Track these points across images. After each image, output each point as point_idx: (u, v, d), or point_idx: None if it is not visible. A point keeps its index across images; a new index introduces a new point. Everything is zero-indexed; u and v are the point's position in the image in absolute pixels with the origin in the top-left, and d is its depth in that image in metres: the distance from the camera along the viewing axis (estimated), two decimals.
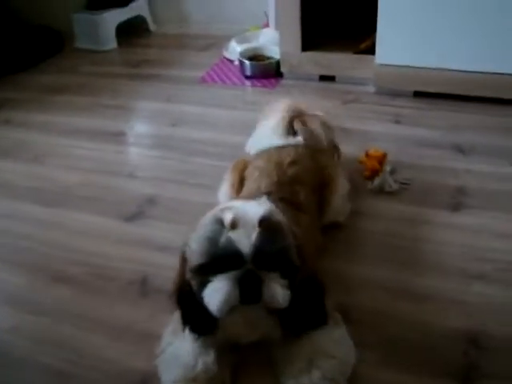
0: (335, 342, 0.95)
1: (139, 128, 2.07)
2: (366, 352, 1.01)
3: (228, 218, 0.82)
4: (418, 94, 2.05)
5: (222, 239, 0.81)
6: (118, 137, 1.95)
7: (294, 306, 0.87)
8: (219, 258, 0.81)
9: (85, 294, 1.25)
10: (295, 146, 1.26)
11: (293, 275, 0.85)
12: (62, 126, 2.07)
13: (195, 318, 0.92)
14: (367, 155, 1.57)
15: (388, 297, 1.17)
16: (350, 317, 1.07)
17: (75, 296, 1.25)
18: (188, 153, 1.79)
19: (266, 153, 1.24)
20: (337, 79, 2.22)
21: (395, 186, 1.51)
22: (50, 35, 2.88)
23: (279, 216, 0.87)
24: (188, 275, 0.88)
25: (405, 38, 1.96)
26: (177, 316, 1.04)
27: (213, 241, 0.82)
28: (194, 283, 0.87)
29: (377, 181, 1.52)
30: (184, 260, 0.90)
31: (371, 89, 2.12)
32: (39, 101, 2.31)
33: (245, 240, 0.80)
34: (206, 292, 0.83)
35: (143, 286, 1.25)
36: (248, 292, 0.81)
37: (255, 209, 0.84)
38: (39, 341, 1.13)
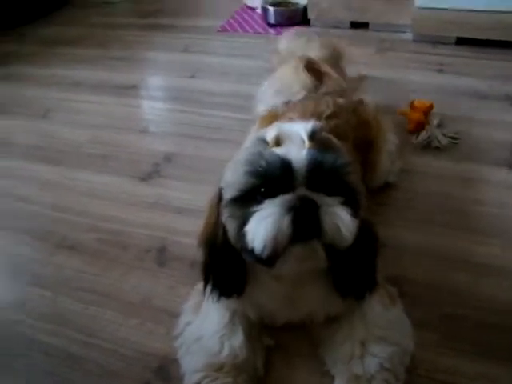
0: (392, 324, 0.79)
1: (153, 80, 1.89)
2: (423, 332, 0.86)
3: (271, 134, 0.65)
4: (461, 42, 1.85)
5: (267, 157, 0.63)
6: (130, 90, 1.78)
7: (349, 258, 0.69)
8: (263, 180, 0.63)
9: (95, 263, 1.10)
10: (332, 97, 1.08)
11: (357, 207, 0.65)
12: (68, 80, 1.90)
13: (224, 272, 0.74)
14: (412, 106, 1.39)
15: (444, 268, 1.01)
16: (402, 291, 0.90)
17: (84, 266, 1.09)
18: (208, 106, 1.63)
19: (299, 104, 1.06)
20: (370, 26, 2.02)
21: (444, 141, 1.34)
22: None
23: (331, 136, 0.70)
24: (223, 215, 0.69)
25: None
26: (198, 288, 0.88)
27: (254, 161, 0.64)
28: (230, 222, 0.67)
29: (423, 135, 1.35)
30: (218, 199, 0.71)
31: (409, 36, 1.93)
32: (44, 54, 2.14)
33: (295, 155, 0.63)
34: (248, 226, 0.63)
35: (161, 255, 1.09)
36: (303, 222, 0.61)
37: (303, 125, 0.67)
38: (44, 317, 0.98)
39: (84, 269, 1.08)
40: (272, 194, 0.63)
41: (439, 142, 1.34)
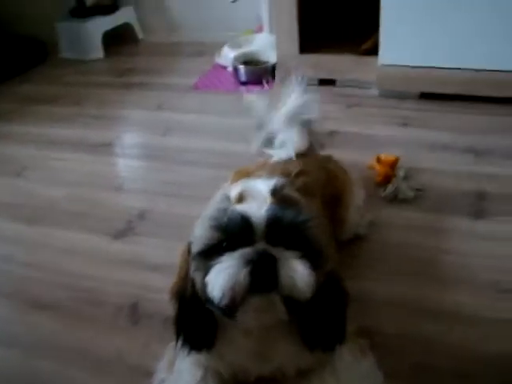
0: (363, 376, 0.81)
1: (127, 138, 1.93)
2: (394, 383, 0.87)
3: (235, 191, 0.69)
4: (424, 96, 1.93)
5: (229, 213, 0.67)
6: (105, 148, 1.81)
7: (314, 311, 0.72)
8: (225, 234, 0.67)
9: (68, 322, 1.09)
10: (302, 156, 1.12)
11: (318, 261, 0.68)
12: (44, 138, 1.93)
13: (194, 325, 0.76)
14: (379, 161, 1.44)
15: (413, 317, 1.04)
16: (373, 342, 0.92)
17: (56, 325, 1.09)
18: (180, 163, 1.66)
19: (270, 163, 1.10)
20: (337, 83, 2.10)
21: (410, 193, 1.39)
22: (32, 45, 2.75)
23: (294, 193, 0.74)
24: (191, 268, 0.73)
25: (409, 36, 1.85)
26: (172, 345, 0.89)
27: (218, 217, 0.68)
28: (197, 275, 0.71)
29: (390, 188, 1.39)
30: (188, 253, 0.75)
31: (375, 92, 2.00)
32: (20, 112, 2.17)
33: (254, 211, 0.67)
34: (208, 277, 0.67)
35: (134, 312, 1.10)
36: (261, 274, 0.64)
37: (266, 182, 0.71)
38: (10, 379, 0.97)
39: (57, 328, 1.08)
40: (233, 248, 0.67)
41: (405, 194, 1.38)
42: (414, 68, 1.88)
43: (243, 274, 0.64)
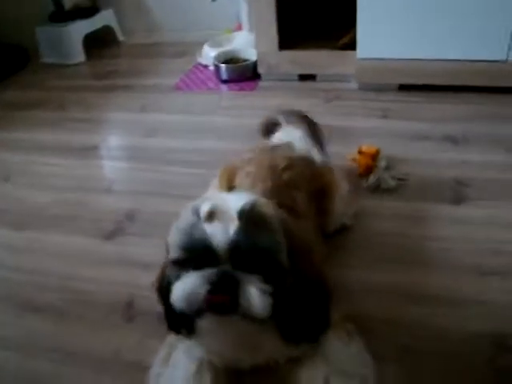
0: (352, 358, 0.84)
1: (113, 140, 1.94)
2: (382, 366, 0.90)
3: (204, 208, 0.71)
4: (403, 88, 1.97)
5: (196, 232, 0.70)
6: (91, 151, 1.83)
7: (290, 312, 0.76)
8: (192, 253, 0.71)
9: (62, 323, 1.12)
10: (287, 151, 1.16)
11: (280, 279, 0.72)
12: (28, 143, 1.94)
13: (173, 313, 0.80)
14: (360, 152, 1.48)
15: (399, 302, 1.07)
16: (359, 327, 0.95)
17: (51, 326, 1.11)
18: (166, 163, 1.68)
19: (256, 158, 1.13)
20: (317, 78, 2.13)
21: (392, 183, 1.42)
22: (13, 51, 2.75)
23: (268, 209, 0.75)
24: (167, 268, 0.79)
25: (386, 30, 1.88)
26: (167, 340, 0.92)
27: (186, 233, 0.71)
28: (169, 276, 0.77)
29: (372, 178, 1.43)
30: (167, 251, 0.79)
31: (354, 85, 2.04)
32: (4, 117, 2.17)
33: (221, 234, 0.69)
34: (173, 287, 0.72)
35: (129, 310, 1.12)
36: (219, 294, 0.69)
37: (238, 200, 0.73)
38: (9, 381, 0.99)
39: (51, 329, 1.10)
40: (199, 266, 0.70)
41: (387, 183, 1.42)
42: (392, 60, 1.92)
43: (202, 293, 0.68)
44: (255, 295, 0.68)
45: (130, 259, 1.27)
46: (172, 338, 0.92)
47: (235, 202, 0.72)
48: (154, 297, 1.09)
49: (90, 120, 2.07)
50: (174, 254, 0.73)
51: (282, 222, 0.75)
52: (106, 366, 1.00)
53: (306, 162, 1.15)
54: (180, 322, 0.81)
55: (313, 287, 0.78)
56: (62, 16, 2.71)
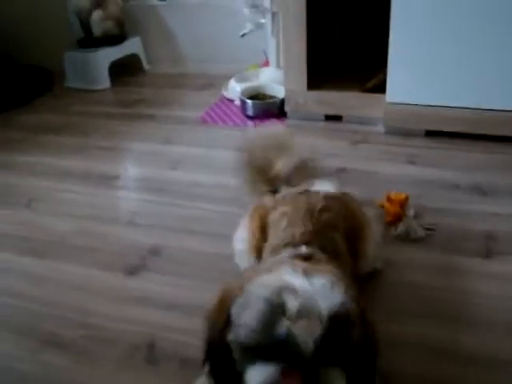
0: None
1: (136, 171, 1.93)
2: None
3: (293, 306, 0.66)
4: (430, 134, 1.95)
5: (281, 330, 0.65)
6: (114, 181, 1.81)
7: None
8: (273, 350, 0.66)
9: (82, 361, 1.08)
10: (321, 191, 1.14)
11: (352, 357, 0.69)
12: (51, 169, 1.93)
13: (225, 374, 0.76)
14: (389, 199, 1.45)
15: (432, 359, 1.03)
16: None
17: (68, 364, 1.08)
18: (191, 198, 1.66)
19: (290, 198, 1.11)
20: (344, 119, 2.12)
21: (421, 233, 1.39)
22: (38, 74, 2.78)
23: (350, 302, 0.71)
24: (228, 335, 0.72)
25: (416, 75, 1.88)
26: None
27: (268, 327, 0.66)
28: (234, 348, 0.71)
29: (401, 227, 1.40)
30: (223, 305, 0.74)
31: (381, 129, 2.02)
32: (26, 141, 2.18)
33: (307, 336, 0.65)
34: (250, 369, 0.68)
35: (150, 352, 1.08)
36: None
37: (324, 294, 0.69)
38: None
39: (71, 367, 1.07)
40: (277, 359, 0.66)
41: (416, 233, 1.39)
42: (421, 106, 1.91)
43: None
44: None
45: (152, 297, 1.24)
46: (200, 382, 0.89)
47: (323, 297, 0.68)
48: (176, 340, 1.09)
49: (112, 148, 2.06)
50: (248, 339, 0.69)
51: (361, 314, 0.72)
52: None
53: (341, 201, 1.13)
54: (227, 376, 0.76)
55: (368, 344, 0.75)
56: (91, 42, 2.74)
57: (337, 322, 0.67)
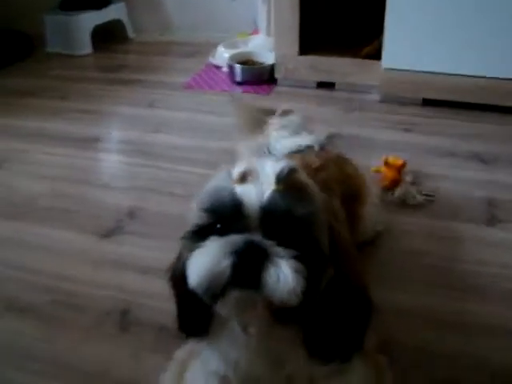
0: None
1: (117, 134, 1.82)
2: None
3: (238, 169, 0.60)
4: (427, 103, 1.86)
5: (225, 192, 0.59)
6: (93, 143, 1.70)
7: (323, 320, 0.63)
8: (216, 216, 0.59)
9: (48, 328, 0.98)
10: (315, 151, 1.05)
11: (317, 264, 0.59)
12: (28, 131, 1.81)
13: (187, 308, 0.68)
14: (386, 163, 1.36)
15: (432, 329, 0.95)
16: (391, 357, 0.82)
17: (34, 331, 0.98)
18: (171, 160, 1.56)
19: (286, 156, 1.02)
20: (337, 86, 2.02)
21: (419, 198, 1.31)
22: (17, 38, 2.63)
23: (307, 180, 0.64)
24: (182, 247, 0.66)
25: (414, 40, 1.79)
26: (178, 356, 0.80)
27: (213, 194, 0.60)
28: (185, 255, 0.63)
29: (399, 191, 1.31)
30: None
31: (376, 97, 1.93)
32: (4, 104, 2.05)
33: (254, 196, 0.57)
34: (189, 260, 0.59)
35: (123, 318, 0.99)
36: (244, 268, 0.55)
37: (275, 164, 0.61)
38: None
39: (35, 334, 0.97)
40: (223, 233, 0.58)
41: (415, 198, 1.31)
42: (418, 73, 1.82)
43: (224, 264, 0.55)
44: (286, 272, 0.55)
45: (127, 261, 1.15)
46: (182, 352, 0.79)
47: (272, 165, 0.61)
48: (152, 306, 0.99)
49: (93, 112, 1.95)
50: (191, 223, 0.62)
51: (324, 199, 0.64)
52: (95, 382, 0.87)
53: (338, 162, 1.04)
54: (194, 319, 0.68)
55: (354, 296, 0.65)
56: (73, 5, 2.60)
57: (287, 186, 0.59)
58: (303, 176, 0.64)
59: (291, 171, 0.61)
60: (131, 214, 1.31)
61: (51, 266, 1.15)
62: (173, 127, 1.79)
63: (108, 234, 1.24)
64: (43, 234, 1.26)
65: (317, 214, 0.60)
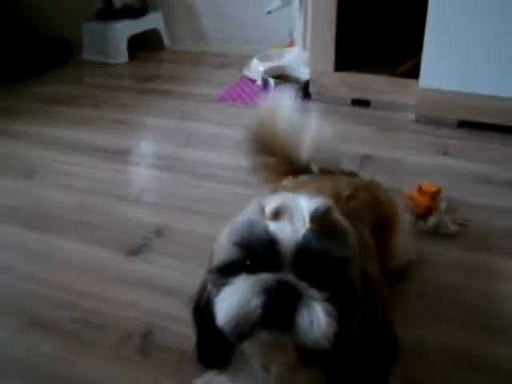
0: None
1: (147, 147, 1.82)
2: None
3: (271, 205, 0.58)
4: (463, 124, 1.81)
5: (257, 228, 0.57)
6: (123, 155, 1.70)
7: (349, 360, 0.61)
8: (247, 252, 0.57)
9: (68, 346, 0.97)
10: (347, 176, 1.01)
11: (350, 307, 0.57)
12: (58, 140, 1.82)
13: (208, 341, 0.67)
14: (420, 190, 1.32)
15: (462, 371, 0.91)
16: None
17: (55, 349, 0.97)
18: (203, 177, 1.54)
19: (314, 181, 0.97)
20: (372, 104, 1.98)
21: (454, 228, 1.26)
22: (55, 45, 2.67)
23: (342, 219, 0.62)
24: (208, 281, 0.63)
25: (453, 61, 1.74)
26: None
27: (244, 229, 0.58)
28: (212, 291, 0.61)
29: (432, 220, 1.27)
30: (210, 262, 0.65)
31: (411, 116, 1.88)
32: (37, 111, 2.07)
33: (289, 234, 0.56)
34: (218, 297, 0.58)
35: (145, 341, 0.97)
36: (275, 309, 0.54)
37: (310, 200, 0.60)
38: None
39: (56, 352, 0.96)
40: (254, 271, 0.56)
41: (448, 228, 1.26)
42: (455, 93, 1.77)
43: (255, 304, 0.54)
44: (320, 316, 0.53)
45: (153, 281, 1.13)
46: (201, 382, 0.78)
47: (307, 202, 0.59)
48: (175, 330, 0.97)
49: (124, 121, 1.95)
50: (220, 258, 0.60)
51: (356, 237, 0.62)
52: None
53: (370, 189, 1.00)
54: (215, 352, 0.66)
55: (381, 336, 0.63)
56: (110, 14, 2.63)
57: (323, 224, 0.58)
58: (338, 215, 0.62)
59: (326, 210, 0.59)
60: (158, 231, 1.29)
61: (74, 282, 1.14)
62: (204, 141, 1.77)
63: (134, 251, 1.22)
64: (68, 248, 1.25)
65: (352, 256, 0.59)
